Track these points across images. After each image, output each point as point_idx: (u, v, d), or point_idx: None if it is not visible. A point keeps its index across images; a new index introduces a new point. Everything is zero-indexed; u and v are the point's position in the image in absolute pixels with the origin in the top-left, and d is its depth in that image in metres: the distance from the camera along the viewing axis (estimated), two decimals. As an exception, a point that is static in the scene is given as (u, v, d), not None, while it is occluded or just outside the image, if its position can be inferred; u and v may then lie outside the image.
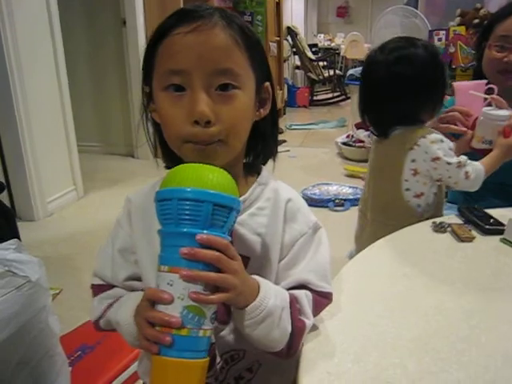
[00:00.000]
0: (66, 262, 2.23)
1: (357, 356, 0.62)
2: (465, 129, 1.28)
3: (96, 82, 4.11)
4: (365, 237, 1.30)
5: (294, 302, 0.62)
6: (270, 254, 0.66)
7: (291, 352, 0.63)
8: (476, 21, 3.21)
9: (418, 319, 0.71)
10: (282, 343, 0.61)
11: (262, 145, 0.70)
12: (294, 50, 7.34)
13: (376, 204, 1.29)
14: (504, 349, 0.64)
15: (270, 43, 5.54)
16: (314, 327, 0.67)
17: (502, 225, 1.00)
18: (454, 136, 1.28)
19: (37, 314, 0.96)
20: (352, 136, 4.19)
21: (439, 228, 1.03)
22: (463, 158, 1.17)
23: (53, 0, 2.78)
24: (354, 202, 2.95)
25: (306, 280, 0.65)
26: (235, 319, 0.61)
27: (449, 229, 1.03)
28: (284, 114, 6.50)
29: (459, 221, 1.08)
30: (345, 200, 2.96)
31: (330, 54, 8.23)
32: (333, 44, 9.22)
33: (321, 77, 7.45)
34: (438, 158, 1.14)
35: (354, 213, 2.76)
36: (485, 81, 1.30)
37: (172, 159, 0.67)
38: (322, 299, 0.67)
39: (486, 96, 1.25)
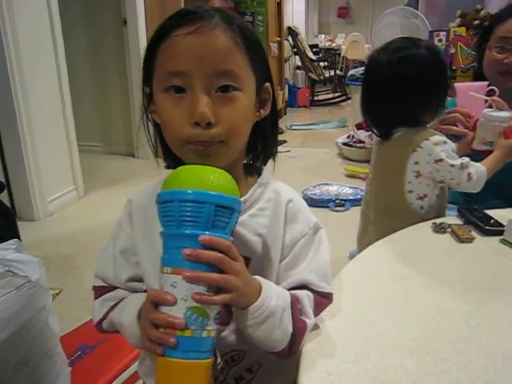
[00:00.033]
0: (67, 262, 2.23)
1: (357, 356, 0.62)
2: (466, 130, 1.28)
3: (96, 81, 4.12)
4: (367, 238, 1.29)
5: (295, 302, 0.63)
6: (271, 254, 0.66)
7: (292, 352, 0.63)
8: (476, 22, 3.21)
9: (418, 320, 0.71)
10: (283, 343, 0.61)
11: (261, 145, 0.70)
12: (295, 50, 7.34)
13: (379, 206, 1.29)
14: (504, 349, 0.64)
15: (271, 43, 5.54)
16: (315, 327, 0.67)
17: (502, 226, 1.00)
18: (454, 137, 1.28)
19: (37, 314, 0.96)
20: (352, 136, 4.19)
21: (439, 229, 1.03)
22: (466, 159, 1.16)
23: (54, 1, 2.78)
24: (354, 202, 2.96)
25: (307, 280, 0.66)
26: (237, 320, 0.61)
27: (449, 229, 1.03)
28: (285, 114, 6.50)
29: (459, 221, 1.08)
30: (345, 200, 2.96)
31: (331, 55, 8.23)
32: (333, 44, 9.23)
33: (321, 77, 7.46)
34: (440, 160, 1.14)
35: (354, 213, 2.79)
36: (486, 82, 1.30)
37: (173, 159, 0.67)
38: (323, 299, 0.67)
39: (487, 98, 1.25)
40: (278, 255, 0.66)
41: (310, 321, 0.64)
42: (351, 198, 3.00)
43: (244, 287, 0.55)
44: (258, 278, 0.60)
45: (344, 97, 7.50)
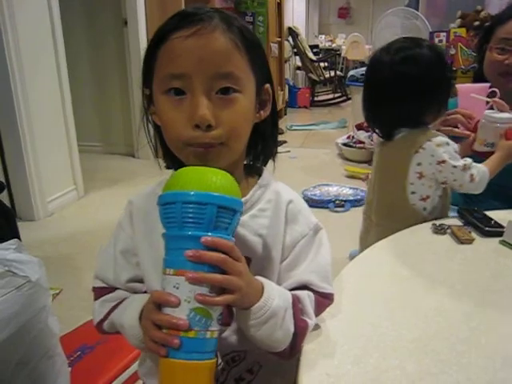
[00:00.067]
0: (67, 262, 2.23)
1: (356, 357, 0.62)
2: (468, 132, 1.27)
3: (97, 81, 4.12)
4: (370, 239, 1.29)
5: (296, 302, 0.63)
6: (272, 255, 0.66)
7: (293, 352, 0.63)
8: (476, 23, 3.21)
9: (417, 321, 0.71)
10: (284, 343, 0.61)
11: (262, 146, 0.70)
12: (295, 50, 7.35)
13: (381, 207, 1.28)
14: (504, 350, 0.64)
15: (271, 44, 5.54)
16: (315, 328, 0.67)
17: (502, 227, 1.00)
18: (455, 139, 1.28)
19: (37, 314, 0.96)
20: (352, 137, 4.20)
21: (439, 230, 1.03)
22: (468, 160, 1.16)
23: (54, 1, 2.78)
24: (354, 202, 2.96)
25: (308, 281, 0.66)
26: (239, 320, 0.61)
27: (448, 230, 1.03)
28: (285, 114, 6.50)
29: (459, 223, 1.08)
30: (345, 201, 2.96)
31: (331, 55, 8.24)
32: (334, 45, 9.23)
33: (322, 78, 7.46)
34: (443, 161, 1.13)
35: (354, 214, 2.79)
36: (488, 84, 1.30)
37: (173, 160, 0.67)
38: (324, 300, 0.67)
39: (488, 99, 1.25)
40: (279, 256, 0.66)
41: (311, 321, 0.64)
42: (351, 198, 3.00)
43: (246, 288, 0.55)
44: (259, 278, 0.60)
45: (344, 97, 7.50)
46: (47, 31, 2.77)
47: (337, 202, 2.96)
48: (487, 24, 1.51)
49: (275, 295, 0.59)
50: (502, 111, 1.23)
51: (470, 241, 0.98)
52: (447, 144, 1.14)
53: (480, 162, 1.20)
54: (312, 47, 7.95)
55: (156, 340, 0.53)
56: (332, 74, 7.64)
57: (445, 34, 3.32)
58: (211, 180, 0.53)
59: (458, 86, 1.34)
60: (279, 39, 6.04)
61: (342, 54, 8.11)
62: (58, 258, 2.27)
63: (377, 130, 1.27)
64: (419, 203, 1.20)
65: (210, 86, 0.58)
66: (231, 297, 0.53)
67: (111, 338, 1.29)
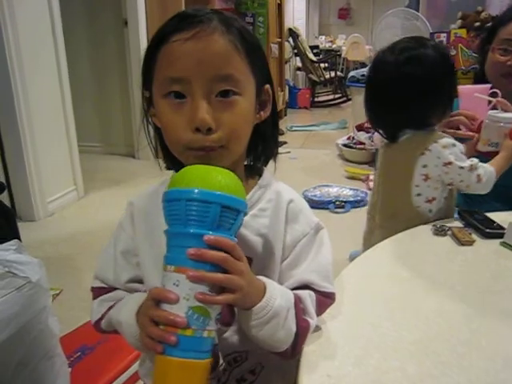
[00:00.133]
0: (67, 262, 2.23)
1: (357, 359, 0.62)
2: (472, 133, 1.27)
3: (97, 81, 4.12)
4: (374, 241, 1.28)
5: (297, 302, 0.63)
6: (273, 254, 0.66)
7: (295, 352, 0.63)
8: (477, 24, 3.21)
9: (418, 322, 0.71)
10: (286, 343, 0.61)
11: (262, 146, 0.70)
12: (296, 51, 7.35)
13: (385, 209, 1.28)
14: (505, 352, 0.64)
15: (272, 44, 5.55)
16: (316, 329, 0.67)
17: (503, 228, 1.00)
18: (459, 140, 1.27)
19: (37, 315, 0.96)
20: (353, 138, 4.19)
21: (439, 231, 1.03)
22: (474, 160, 1.15)
23: (54, 0, 2.78)
24: (354, 203, 2.96)
25: (309, 280, 0.66)
26: (241, 320, 0.61)
27: (449, 232, 1.03)
28: (285, 115, 6.50)
29: (459, 224, 1.08)
30: (345, 202, 2.96)
31: (332, 56, 8.24)
32: (334, 46, 9.23)
33: (322, 78, 7.46)
34: (450, 163, 1.12)
35: (354, 215, 2.80)
36: (489, 85, 1.30)
37: (173, 161, 0.67)
38: (325, 299, 0.67)
39: (491, 99, 1.25)
40: (280, 255, 0.66)
41: (312, 320, 0.64)
42: (351, 199, 3.00)
43: (248, 287, 0.55)
44: (262, 278, 0.60)
45: (344, 98, 7.50)
46: (47, 29, 2.77)
47: (337, 202, 2.95)
48: (489, 25, 1.52)
49: (277, 295, 0.59)
50: (505, 111, 1.23)
51: (471, 242, 0.98)
52: (453, 145, 1.13)
53: (485, 162, 1.19)
54: (312, 48, 7.95)
55: (153, 336, 0.53)
56: (332, 74, 7.64)
57: (445, 34, 3.32)
58: (216, 179, 0.53)
59: (459, 87, 1.34)
60: (279, 40, 6.04)
61: (343, 55, 8.11)
62: (58, 259, 2.27)
63: (381, 131, 1.26)
64: (424, 205, 1.19)
65: (209, 89, 0.58)
66: (232, 296, 0.53)
67: (111, 339, 1.29)
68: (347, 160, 4.08)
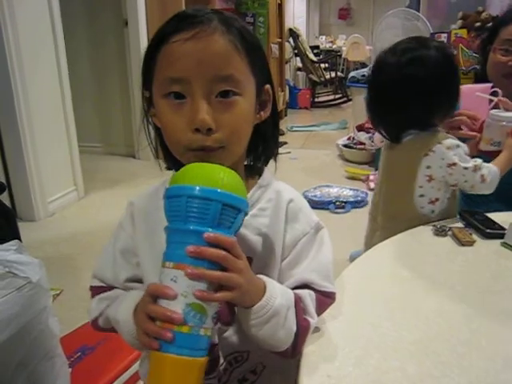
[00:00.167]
0: (67, 262, 2.23)
1: (358, 359, 0.62)
2: (474, 133, 1.26)
3: (97, 82, 4.12)
4: (375, 241, 1.28)
5: (298, 302, 0.63)
6: (273, 254, 0.66)
7: (296, 352, 0.63)
8: (478, 24, 3.21)
9: (418, 322, 0.71)
10: (287, 343, 0.61)
11: (262, 146, 0.70)
12: (296, 51, 7.35)
13: (387, 209, 1.27)
14: (505, 352, 0.64)
15: (272, 45, 5.55)
16: (316, 329, 0.67)
17: (503, 229, 1.00)
18: (460, 140, 1.27)
19: (37, 315, 0.96)
20: (353, 138, 4.19)
21: (440, 232, 1.03)
22: (478, 160, 1.14)
23: (54, 0, 2.79)
24: (354, 204, 2.96)
25: (309, 280, 0.66)
26: (241, 319, 0.60)
27: (449, 232, 1.03)
28: (285, 115, 6.50)
29: (460, 224, 1.08)
30: (345, 202, 2.96)
31: (332, 56, 8.23)
32: (334, 46, 9.22)
33: (322, 79, 7.46)
34: (454, 164, 1.12)
35: (354, 215, 2.79)
36: (490, 84, 1.30)
37: (174, 161, 0.67)
38: (326, 299, 0.67)
39: (493, 98, 1.24)
40: (280, 254, 0.66)
41: (313, 320, 0.64)
42: (351, 199, 3.00)
43: (247, 285, 0.55)
44: (262, 277, 0.60)
45: (345, 98, 7.49)
46: (47, 29, 2.77)
47: (337, 203, 2.95)
48: (490, 25, 1.52)
49: (277, 294, 0.59)
50: (507, 110, 1.23)
51: (471, 243, 0.98)
52: (457, 146, 1.13)
53: (487, 161, 1.19)
54: (313, 48, 7.95)
55: (149, 332, 0.53)
56: (333, 74, 7.64)
57: (446, 35, 3.32)
58: (218, 176, 0.53)
59: (460, 87, 1.34)
60: (280, 40, 6.04)
61: (343, 55, 8.11)
62: (59, 259, 2.27)
63: (383, 133, 1.25)
64: (428, 206, 1.18)
65: (209, 90, 0.58)
66: (230, 294, 0.53)
67: (112, 339, 1.29)
68: (347, 160, 4.08)
